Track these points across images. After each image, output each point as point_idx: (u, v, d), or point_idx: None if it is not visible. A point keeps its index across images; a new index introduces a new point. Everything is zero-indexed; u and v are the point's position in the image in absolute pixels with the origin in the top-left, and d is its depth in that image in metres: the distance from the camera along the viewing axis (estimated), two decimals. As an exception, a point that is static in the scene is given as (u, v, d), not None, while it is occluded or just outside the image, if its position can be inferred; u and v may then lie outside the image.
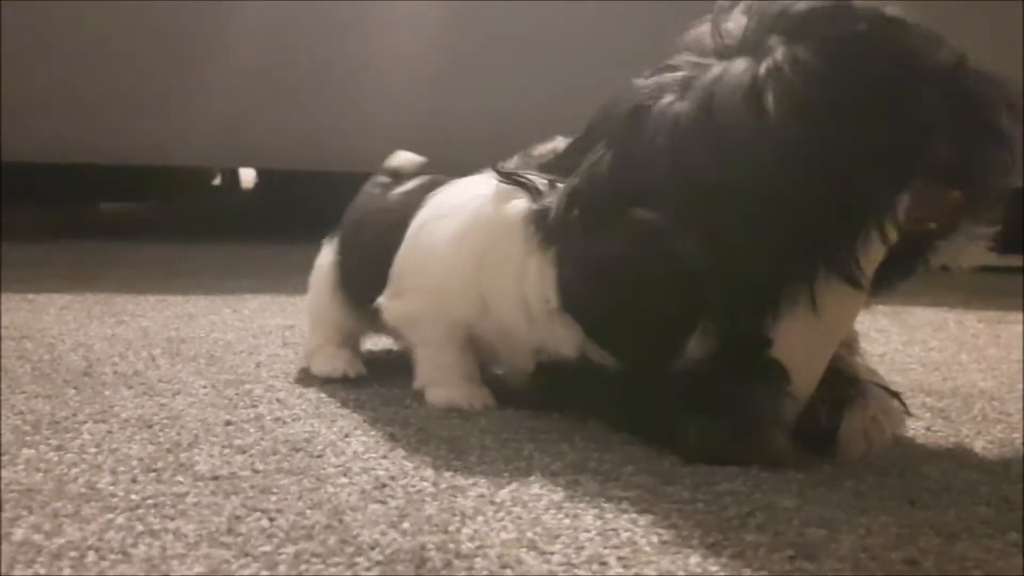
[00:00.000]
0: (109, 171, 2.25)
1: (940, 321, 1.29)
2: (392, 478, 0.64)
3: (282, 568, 0.50)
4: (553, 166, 0.76)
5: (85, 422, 0.75)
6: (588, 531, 0.55)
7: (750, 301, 0.66)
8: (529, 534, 0.55)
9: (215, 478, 0.63)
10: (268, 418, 0.77)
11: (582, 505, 0.59)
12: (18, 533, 0.54)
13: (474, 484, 0.63)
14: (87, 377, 0.89)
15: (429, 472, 0.65)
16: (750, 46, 0.64)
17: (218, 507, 0.58)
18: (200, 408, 0.79)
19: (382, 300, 0.83)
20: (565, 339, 0.73)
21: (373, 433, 0.74)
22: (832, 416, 0.70)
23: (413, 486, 0.62)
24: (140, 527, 0.55)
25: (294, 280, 0.98)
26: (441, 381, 0.81)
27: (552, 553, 0.52)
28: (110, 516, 0.56)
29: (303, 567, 0.50)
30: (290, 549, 0.52)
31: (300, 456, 0.68)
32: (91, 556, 0.51)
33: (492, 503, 0.60)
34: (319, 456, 0.68)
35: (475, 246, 0.77)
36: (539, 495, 0.61)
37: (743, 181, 0.62)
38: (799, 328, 0.66)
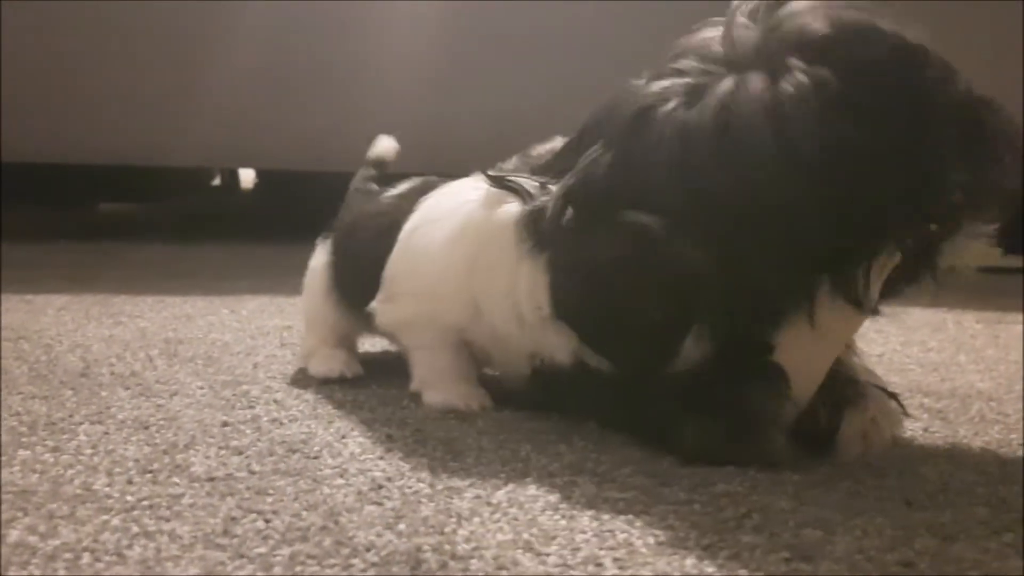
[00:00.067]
0: (108, 171, 2.25)
1: (938, 322, 1.29)
2: (388, 479, 0.64)
3: (277, 570, 0.50)
4: (547, 167, 0.76)
5: (82, 423, 0.75)
6: (584, 532, 0.55)
7: (750, 308, 0.66)
8: (525, 535, 0.55)
9: (211, 479, 0.63)
10: (265, 419, 0.77)
11: (579, 506, 0.59)
12: (13, 535, 0.54)
13: (471, 485, 0.63)
14: (84, 378, 0.89)
15: (426, 473, 0.65)
16: (763, 60, 0.64)
17: (214, 508, 0.58)
18: (197, 409, 0.79)
19: (375, 304, 0.82)
20: (558, 345, 0.72)
21: (370, 434, 0.74)
22: (832, 417, 0.70)
23: (409, 487, 0.62)
24: (135, 528, 0.55)
25: (293, 281, 0.98)
26: (437, 383, 0.81)
27: (548, 554, 0.52)
28: (105, 517, 0.56)
29: (299, 569, 0.50)
30: (286, 551, 0.52)
31: (296, 457, 0.68)
32: (86, 558, 0.51)
33: (488, 504, 0.59)
34: (315, 457, 0.68)
35: (467, 250, 0.77)
36: (536, 496, 0.61)
37: (758, 200, 0.62)
38: (801, 336, 0.66)
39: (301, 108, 1.97)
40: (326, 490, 0.61)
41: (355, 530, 0.55)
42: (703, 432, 0.67)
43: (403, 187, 0.89)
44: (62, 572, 0.49)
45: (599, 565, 0.51)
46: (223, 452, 0.69)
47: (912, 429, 0.78)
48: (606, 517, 0.58)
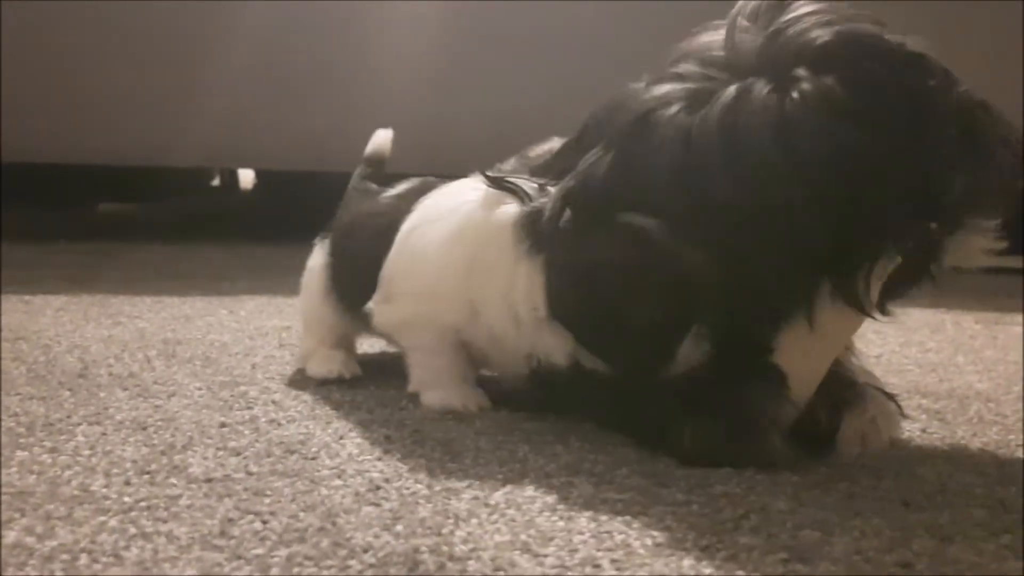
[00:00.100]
0: (108, 171, 2.25)
1: (937, 322, 1.29)
2: (386, 480, 0.64)
3: (275, 571, 0.50)
4: (546, 168, 0.76)
5: (79, 424, 0.75)
6: (582, 533, 0.55)
7: (750, 309, 0.66)
8: (523, 536, 0.55)
9: (208, 480, 0.63)
10: (263, 420, 0.77)
11: (576, 507, 0.59)
12: (10, 536, 0.53)
13: (468, 486, 0.63)
14: (82, 379, 0.89)
15: (423, 474, 0.65)
16: (767, 68, 0.64)
17: (211, 510, 0.58)
18: (195, 410, 0.79)
19: (371, 304, 0.82)
20: (555, 346, 0.72)
21: (368, 435, 0.74)
22: (830, 418, 0.69)
23: (407, 488, 0.62)
24: (133, 530, 0.55)
25: (292, 281, 0.98)
26: (435, 384, 0.81)
27: (546, 556, 0.52)
28: (103, 519, 0.56)
29: (296, 570, 0.50)
30: (283, 552, 0.52)
31: (294, 458, 0.68)
32: (83, 559, 0.51)
33: (486, 505, 0.59)
34: (313, 458, 0.68)
35: (465, 250, 0.76)
36: (533, 497, 0.61)
37: (761, 204, 0.62)
38: (800, 338, 0.66)
39: (301, 108, 1.98)
40: (324, 491, 0.61)
41: (352, 531, 0.55)
42: (702, 432, 0.67)
43: (401, 188, 0.89)
44: (59, 573, 0.49)
45: (597, 566, 0.51)
46: (221, 453, 0.69)
47: (910, 430, 0.78)
48: (604, 518, 0.57)
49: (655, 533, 0.55)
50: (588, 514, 0.58)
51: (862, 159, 0.61)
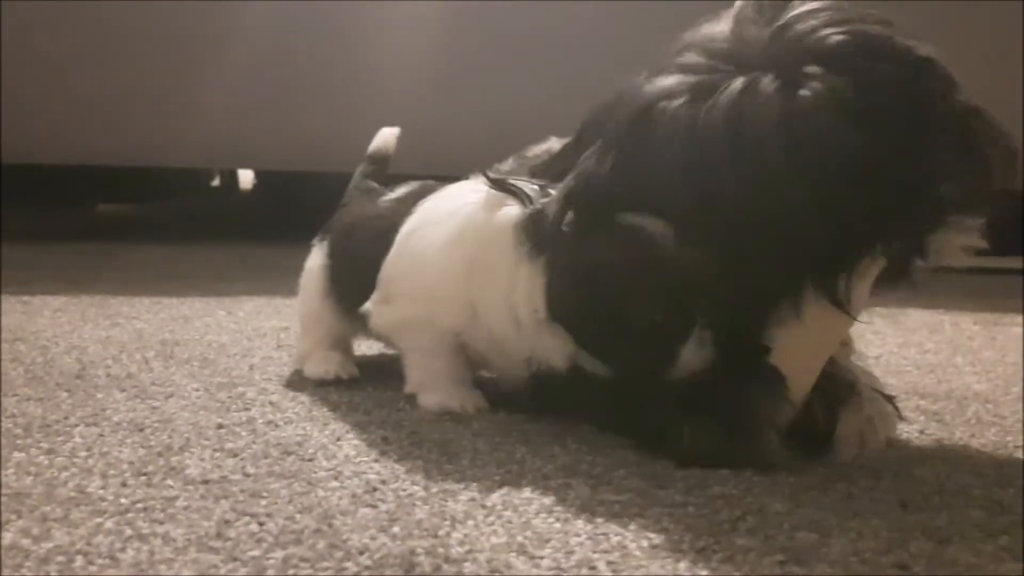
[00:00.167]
0: (107, 172, 2.25)
1: (936, 323, 1.29)
2: (383, 482, 0.64)
3: (271, 572, 0.50)
4: (546, 168, 0.76)
5: (77, 425, 0.75)
6: (578, 535, 0.55)
7: (750, 309, 0.66)
8: (519, 538, 0.55)
9: (205, 482, 0.63)
10: (260, 421, 0.77)
11: (573, 509, 0.59)
12: (7, 537, 0.53)
13: (465, 488, 0.63)
14: (80, 380, 0.89)
15: (420, 476, 0.65)
16: (774, 62, 0.63)
17: (208, 511, 0.58)
18: (192, 411, 0.79)
19: (369, 306, 0.82)
20: (555, 349, 0.72)
21: (365, 437, 0.73)
22: (828, 418, 0.69)
23: (404, 490, 0.62)
24: (129, 531, 0.55)
25: (290, 282, 0.98)
26: (433, 385, 0.81)
27: (542, 557, 0.52)
28: (99, 520, 0.56)
29: (292, 572, 0.50)
30: (279, 553, 0.52)
31: (291, 460, 0.68)
32: (79, 560, 0.51)
33: (483, 507, 0.59)
34: (310, 460, 0.68)
35: (465, 252, 0.76)
36: (530, 499, 0.61)
37: (766, 203, 0.62)
38: (794, 337, 0.66)
39: (301, 108, 1.98)
40: (320, 493, 0.61)
41: (349, 533, 0.55)
42: (701, 433, 0.67)
43: (401, 190, 0.89)
44: (55, 575, 0.49)
45: (593, 568, 0.51)
46: (218, 455, 0.68)
47: (908, 431, 0.78)
48: (600, 520, 0.57)
49: (652, 535, 0.55)
50: (585, 516, 0.58)
51: (866, 161, 0.61)
